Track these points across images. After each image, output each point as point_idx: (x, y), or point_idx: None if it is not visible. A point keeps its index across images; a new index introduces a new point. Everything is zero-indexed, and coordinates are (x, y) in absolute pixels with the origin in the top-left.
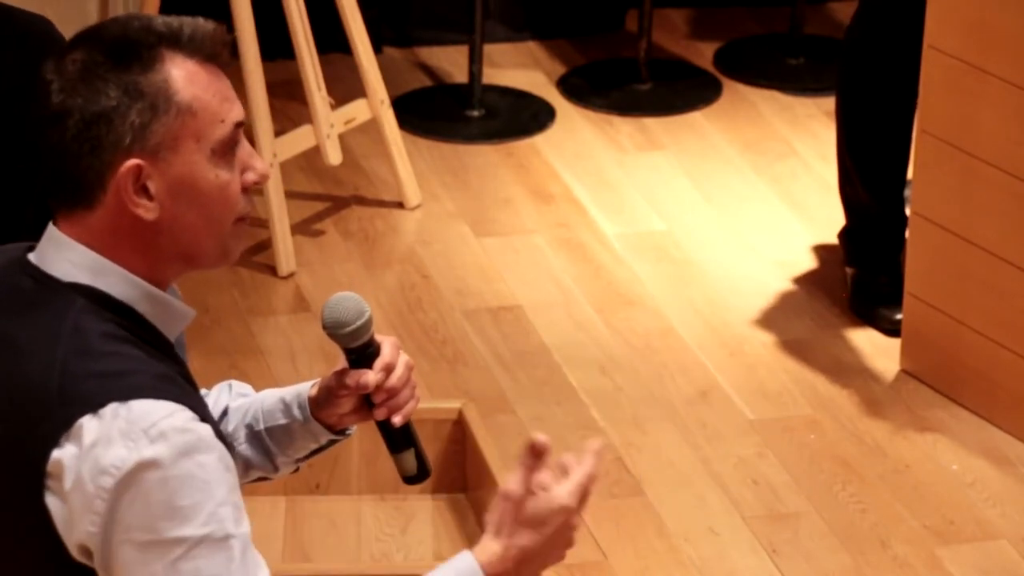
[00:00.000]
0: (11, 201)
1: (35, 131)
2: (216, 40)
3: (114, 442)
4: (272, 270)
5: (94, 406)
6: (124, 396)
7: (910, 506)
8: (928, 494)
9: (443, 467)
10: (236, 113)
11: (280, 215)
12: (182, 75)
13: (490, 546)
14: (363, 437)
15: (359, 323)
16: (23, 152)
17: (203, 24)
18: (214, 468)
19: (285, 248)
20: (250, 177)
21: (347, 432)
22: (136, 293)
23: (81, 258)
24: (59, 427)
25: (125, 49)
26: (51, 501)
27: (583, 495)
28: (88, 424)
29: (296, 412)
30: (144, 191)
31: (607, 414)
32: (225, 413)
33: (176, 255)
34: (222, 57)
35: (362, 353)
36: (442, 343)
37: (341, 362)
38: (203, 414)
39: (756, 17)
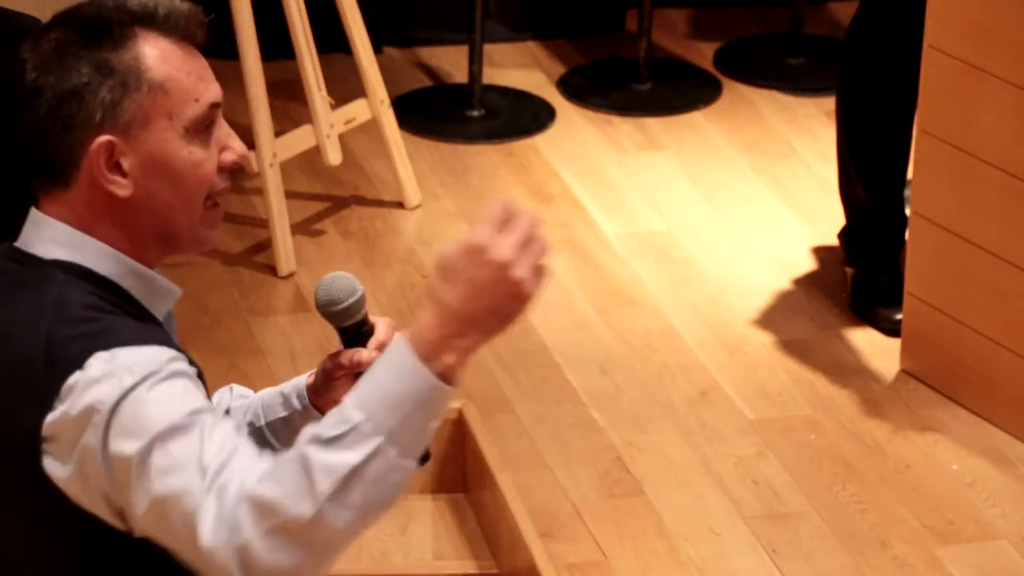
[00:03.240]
0: (8, 199)
1: (12, 110)
2: (191, 20)
3: (99, 383)
4: (272, 270)
5: (80, 363)
6: (107, 346)
7: (910, 506)
8: (928, 494)
9: (443, 467)
10: (212, 93)
11: (280, 215)
12: (155, 53)
13: (418, 318)
14: None
15: (351, 300)
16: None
17: (178, 4)
18: (186, 386)
19: (285, 248)
20: (228, 157)
21: None
22: (119, 268)
23: (61, 235)
24: (51, 392)
25: (98, 27)
26: (51, 465)
27: (505, 234)
28: (76, 378)
29: (295, 402)
30: (117, 168)
31: (607, 414)
32: (227, 414)
33: (153, 234)
34: (197, 37)
35: (356, 332)
36: None
37: (336, 346)
38: (188, 360)
39: (756, 17)
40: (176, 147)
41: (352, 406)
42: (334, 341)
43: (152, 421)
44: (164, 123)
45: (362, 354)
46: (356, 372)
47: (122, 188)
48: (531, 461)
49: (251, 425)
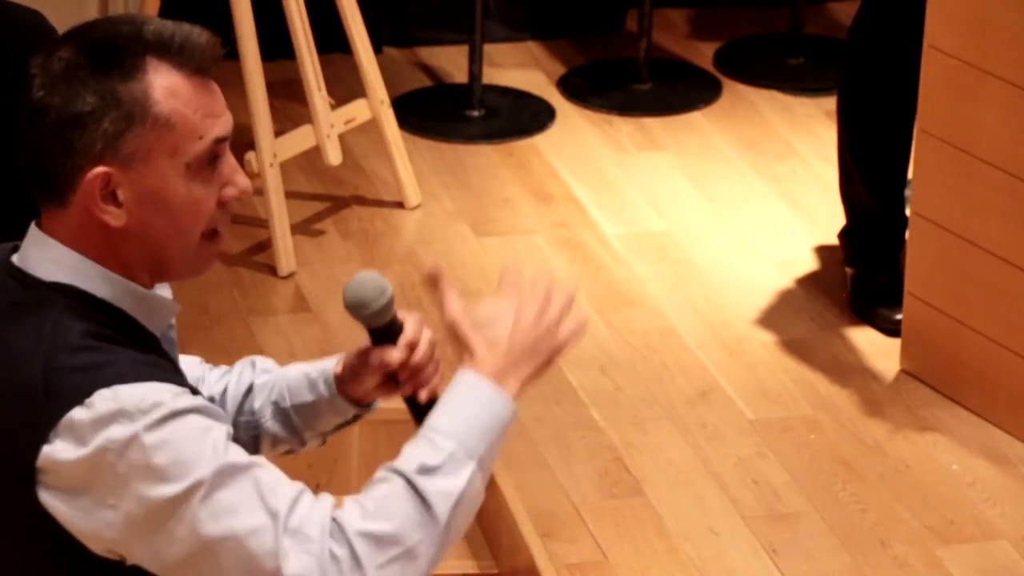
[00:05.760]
0: (11, 196)
1: (17, 123)
2: (207, 53)
3: (109, 424)
4: (272, 270)
5: (81, 398)
6: (108, 383)
7: (910, 506)
8: (928, 494)
9: None
10: (219, 129)
11: (280, 215)
12: (164, 87)
13: (471, 355)
14: (363, 437)
15: (381, 302)
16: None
17: (196, 35)
18: (202, 424)
19: (285, 248)
20: (229, 192)
21: (373, 405)
22: (117, 291)
23: (62, 257)
24: (47, 424)
25: (109, 54)
26: (48, 498)
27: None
28: (79, 416)
29: (322, 388)
30: (112, 198)
31: (607, 414)
32: (250, 390)
33: (143, 263)
34: (211, 71)
35: (386, 331)
36: (442, 343)
37: (364, 340)
38: (192, 389)
39: (756, 17)
40: (175, 184)
41: (442, 435)
42: (334, 342)
43: (182, 464)
44: (165, 159)
45: (392, 354)
46: (385, 371)
47: (115, 218)
48: (531, 461)
49: (276, 405)
